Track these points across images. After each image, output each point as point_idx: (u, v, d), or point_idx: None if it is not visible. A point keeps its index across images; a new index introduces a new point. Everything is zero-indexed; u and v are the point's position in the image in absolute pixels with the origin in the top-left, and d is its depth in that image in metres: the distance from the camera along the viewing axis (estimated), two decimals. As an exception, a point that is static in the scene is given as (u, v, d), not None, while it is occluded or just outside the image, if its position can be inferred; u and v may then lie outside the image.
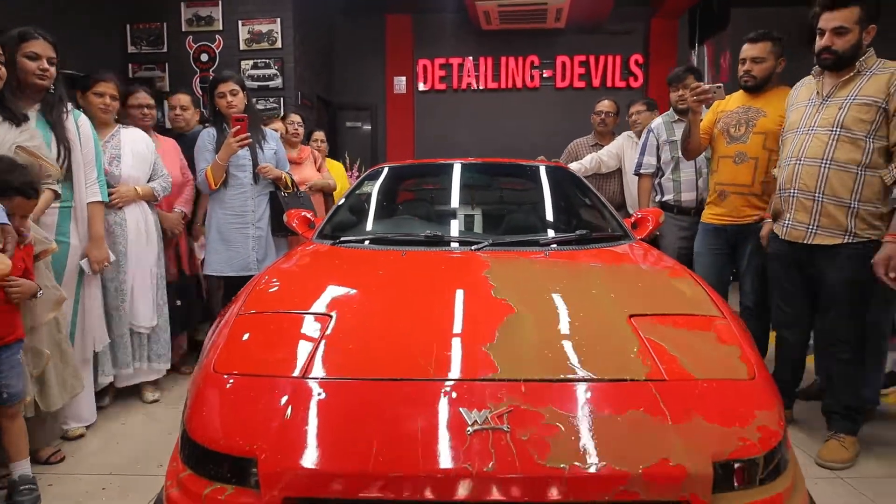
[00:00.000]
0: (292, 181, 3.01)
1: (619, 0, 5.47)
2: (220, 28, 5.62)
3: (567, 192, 2.64)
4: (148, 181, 2.62)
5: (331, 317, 1.43)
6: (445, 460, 1.02)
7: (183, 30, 5.65)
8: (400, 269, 1.80)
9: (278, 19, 5.52)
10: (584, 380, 1.19)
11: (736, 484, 1.06)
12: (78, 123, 2.22)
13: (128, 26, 5.67)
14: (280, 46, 5.56)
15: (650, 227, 2.40)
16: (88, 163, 2.24)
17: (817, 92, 2.14)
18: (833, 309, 2.14)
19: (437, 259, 1.90)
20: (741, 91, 2.56)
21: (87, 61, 4.77)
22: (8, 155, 1.85)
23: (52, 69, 2.09)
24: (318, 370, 1.23)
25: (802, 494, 1.15)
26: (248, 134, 2.69)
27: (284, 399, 1.16)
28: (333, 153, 4.96)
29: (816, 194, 2.09)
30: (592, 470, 1.00)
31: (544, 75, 6.58)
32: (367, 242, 2.07)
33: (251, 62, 5.60)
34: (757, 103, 2.50)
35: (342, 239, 2.12)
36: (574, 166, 3.46)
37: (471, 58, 6.61)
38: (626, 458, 1.02)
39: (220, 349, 1.33)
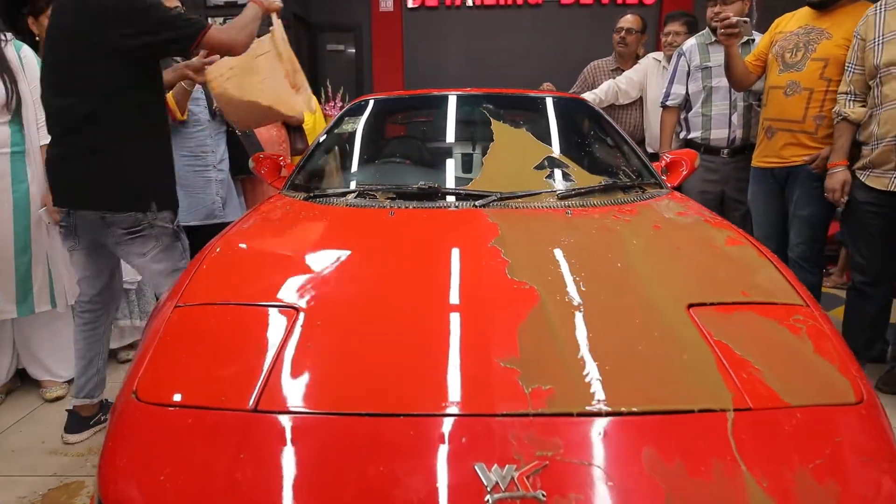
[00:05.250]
0: None
1: None
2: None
3: (586, 131, 2.24)
4: None
5: (297, 311, 1.08)
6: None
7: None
8: (387, 236, 1.44)
9: (244, -79, 4.79)
10: (642, 413, 0.87)
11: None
12: (21, 55, 1.95)
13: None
14: (247, -45, 4.86)
15: (684, 173, 2.04)
16: (38, 100, 1.94)
17: None
18: None
19: (433, 221, 1.53)
20: (807, 7, 2.13)
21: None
22: None
23: None
24: (276, 400, 0.90)
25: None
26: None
27: (230, 444, 0.84)
28: (314, 83, 4.43)
29: None
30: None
31: (547, -11, 5.91)
32: (347, 196, 1.69)
33: (216, -26, 4.93)
34: (823, 23, 2.07)
35: (316, 193, 1.75)
36: (587, 97, 3.00)
37: (465, -31, 5.91)
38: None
39: (147, 365, 0.99)
